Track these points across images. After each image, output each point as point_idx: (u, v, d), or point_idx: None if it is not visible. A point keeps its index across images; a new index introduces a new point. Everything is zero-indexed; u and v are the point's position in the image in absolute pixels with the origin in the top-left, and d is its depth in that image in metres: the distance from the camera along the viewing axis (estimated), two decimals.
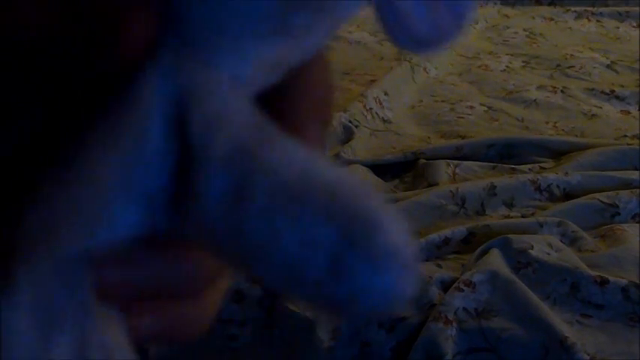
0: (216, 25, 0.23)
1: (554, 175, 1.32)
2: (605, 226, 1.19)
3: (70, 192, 0.22)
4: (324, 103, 0.27)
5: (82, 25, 0.21)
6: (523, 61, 1.88)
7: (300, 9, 0.23)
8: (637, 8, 2.17)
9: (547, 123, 1.57)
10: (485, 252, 1.09)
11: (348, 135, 1.47)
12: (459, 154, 1.41)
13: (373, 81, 1.68)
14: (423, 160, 1.39)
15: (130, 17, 0.21)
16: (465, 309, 0.99)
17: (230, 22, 0.23)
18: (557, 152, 1.43)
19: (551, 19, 2.16)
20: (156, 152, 0.22)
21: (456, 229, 1.16)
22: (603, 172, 1.32)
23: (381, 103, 1.58)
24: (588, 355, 0.93)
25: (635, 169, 1.35)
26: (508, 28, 2.09)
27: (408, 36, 0.27)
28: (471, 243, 1.15)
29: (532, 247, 1.09)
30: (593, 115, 1.60)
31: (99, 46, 0.21)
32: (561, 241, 1.14)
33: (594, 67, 1.84)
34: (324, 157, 0.24)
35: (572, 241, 1.16)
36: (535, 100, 1.66)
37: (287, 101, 0.25)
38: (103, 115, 0.22)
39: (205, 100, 0.23)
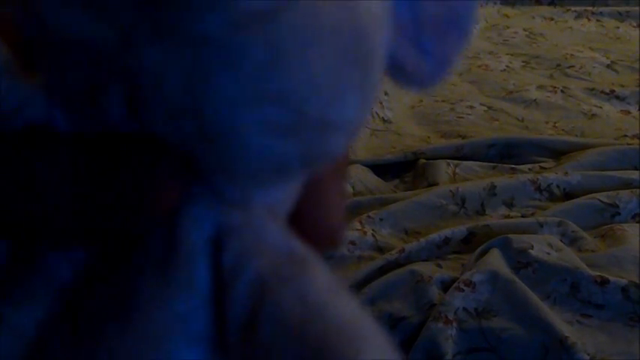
0: (245, 172, 0.24)
1: (554, 175, 1.32)
2: (605, 226, 1.19)
3: (127, 344, 0.23)
4: (340, 157, 0.28)
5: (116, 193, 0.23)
6: (523, 61, 1.88)
7: (319, 163, 0.25)
8: (637, 8, 2.17)
9: (547, 123, 1.57)
10: (485, 252, 1.09)
11: None
12: (459, 154, 1.41)
13: None
14: (423, 160, 1.39)
15: (163, 186, 0.23)
16: (465, 309, 0.99)
17: (260, 184, 0.24)
18: (558, 152, 1.43)
19: (551, 19, 2.16)
20: (206, 300, 0.24)
21: (456, 229, 1.16)
22: (603, 172, 1.32)
23: (381, 103, 1.58)
24: (588, 355, 0.93)
25: (635, 169, 1.34)
26: (508, 27, 2.08)
27: (414, 80, 0.28)
28: (471, 243, 1.15)
29: (532, 247, 1.09)
30: (593, 114, 1.60)
31: (134, 210, 0.23)
32: (561, 240, 1.14)
33: (594, 67, 1.84)
34: (342, 292, 0.25)
35: (572, 241, 1.16)
36: (535, 99, 1.66)
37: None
38: (143, 264, 0.24)
39: (239, 235, 0.24)
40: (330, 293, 0.24)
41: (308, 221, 0.26)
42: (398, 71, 0.27)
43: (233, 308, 0.23)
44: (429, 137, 1.50)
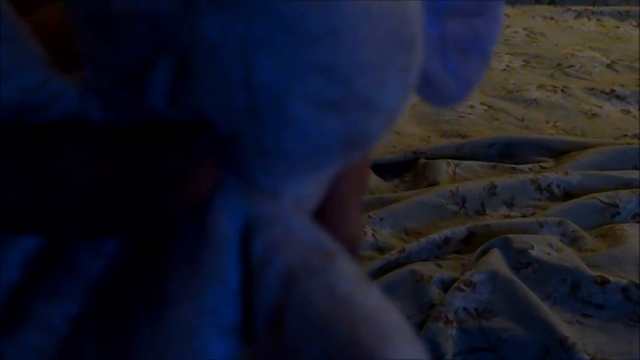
0: (281, 172, 0.24)
1: (554, 174, 1.32)
2: (606, 226, 1.19)
3: (158, 338, 0.24)
4: (363, 169, 0.29)
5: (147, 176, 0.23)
6: (523, 61, 1.88)
7: (357, 148, 0.25)
8: (637, 8, 2.17)
9: (547, 122, 1.57)
10: (485, 252, 1.09)
11: None
12: (459, 154, 1.41)
13: None
14: (423, 160, 1.39)
15: (198, 171, 0.23)
16: (465, 309, 0.99)
17: (294, 168, 0.24)
18: (558, 152, 1.43)
19: (552, 19, 2.16)
20: (236, 292, 0.24)
21: (456, 229, 1.17)
22: (603, 172, 1.32)
23: None
24: (588, 355, 0.93)
25: (636, 168, 1.34)
26: (508, 27, 2.08)
27: (440, 97, 0.29)
28: (471, 243, 1.15)
29: (532, 247, 1.09)
30: (593, 114, 1.60)
31: (166, 195, 0.23)
32: (561, 240, 1.14)
33: (594, 67, 1.84)
34: (368, 285, 0.25)
35: (573, 241, 1.16)
36: (535, 99, 1.66)
37: (336, 179, 0.27)
38: (173, 256, 0.24)
39: (268, 227, 0.24)
40: (358, 285, 0.24)
41: (328, 230, 0.26)
42: (426, 85, 0.28)
43: (261, 300, 0.23)
44: (429, 137, 1.50)
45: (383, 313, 0.23)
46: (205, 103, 0.23)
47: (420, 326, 0.98)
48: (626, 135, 1.50)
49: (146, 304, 0.23)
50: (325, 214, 0.27)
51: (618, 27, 2.10)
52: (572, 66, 1.84)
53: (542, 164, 1.40)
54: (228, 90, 0.22)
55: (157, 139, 0.23)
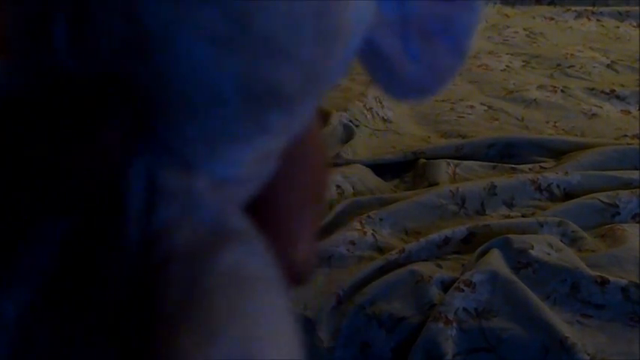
0: (189, 135, 0.23)
1: (554, 174, 1.32)
2: (605, 226, 1.19)
3: None
4: (319, 181, 0.26)
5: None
6: (523, 61, 1.87)
7: (271, 109, 0.23)
8: (637, 8, 2.16)
9: (547, 123, 1.57)
10: (485, 252, 1.09)
11: (348, 135, 1.47)
12: (459, 154, 1.41)
13: None
14: (423, 160, 1.39)
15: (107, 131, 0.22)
16: (465, 309, 0.99)
17: (202, 131, 0.23)
18: (558, 152, 1.43)
19: (552, 19, 2.16)
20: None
21: (456, 229, 1.16)
22: (603, 172, 1.32)
23: (381, 103, 1.58)
24: (588, 355, 0.93)
25: (635, 168, 1.34)
26: (508, 27, 2.08)
27: (398, 82, 0.27)
28: (471, 243, 1.15)
29: (532, 247, 1.09)
30: (593, 114, 1.60)
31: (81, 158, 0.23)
32: (561, 241, 1.14)
33: (594, 67, 1.84)
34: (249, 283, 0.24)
35: (573, 241, 1.16)
36: (535, 99, 1.65)
37: (280, 189, 0.25)
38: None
39: (169, 202, 0.24)
40: (228, 279, 0.24)
41: (267, 246, 0.24)
42: (381, 66, 0.26)
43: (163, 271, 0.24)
44: (429, 137, 1.50)
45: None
46: (101, 44, 0.22)
47: (420, 326, 0.98)
48: (626, 135, 1.50)
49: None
50: (267, 227, 0.24)
51: (618, 27, 2.10)
52: (572, 66, 1.84)
53: (542, 164, 1.40)
54: (117, 22, 0.21)
55: (65, 100, 0.22)
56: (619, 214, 1.22)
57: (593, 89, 1.70)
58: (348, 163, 1.35)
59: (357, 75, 1.74)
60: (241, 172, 0.24)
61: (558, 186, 1.29)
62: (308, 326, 1.01)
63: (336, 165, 1.33)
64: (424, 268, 1.07)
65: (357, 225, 1.17)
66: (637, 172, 1.32)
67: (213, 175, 0.24)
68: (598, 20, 2.14)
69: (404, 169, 1.40)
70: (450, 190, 1.26)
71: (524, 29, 2.07)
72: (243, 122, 0.23)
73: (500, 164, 1.39)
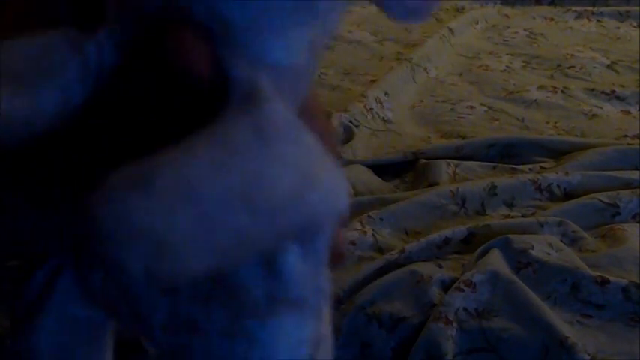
0: (257, 23, 0.28)
1: (554, 175, 1.32)
2: (606, 226, 1.19)
3: None
4: (328, 130, 0.34)
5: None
6: (523, 61, 1.87)
7: None
8: (637, 8, 2.17)
9: (547, 123, 1.57)
10: (485, 252, 1.09)
11: (348, 135, 1.47)
12: (460, 154, 1.41)
13: (373, 81, 1.68)
14: (423, 160, 1.39)
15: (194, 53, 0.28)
16: (465, 309, 0.99)
17: (269, 20, 0.28)
18: (558, 152, 1.43)
19: (552, 19, 2.16)
20: None
21: (456, 229, 1.16)
22: (604, 172, 1.32)
23: (381, 103, 1.58)
24: (589, 355, 0.93)
25: (636, 169, 1.34)
26: (508, 27, 2.08)
27: (403, 7, 0.31)
28: (471, 243, 1.15)
29: (532, 247, 1.09)
30: (593, 115, 1.60)
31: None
32: (562, 241, 1.14)
33: (594, 67, 1.84)
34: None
35: (573, 241, 1.16)
36: (535, 100, 1.66)
37: None
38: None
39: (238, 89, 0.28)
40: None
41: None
42: None
43: None
44: (429, 137, 1.50)
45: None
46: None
47: (420, 326, 0.98)
48: (626, 135, 1.50)
49: None
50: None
51: (618, 28, 2.10)
52: (573, 67, 1.84)
53: (542, 165, 1.40)
54: None
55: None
56: (619, 214, 1.22)
57: (593, 90, 1.70)
58: (348, 163, 1.35)
59: (357, 76, 1.75)
60: (299, 62, 0.29)
61: (558, 186, 1.29)
62: None
63: None
64: (424, 268, 1.07)
65: (357, 225, 1.17)
66: (637, 172, 1.32)
67: (279, 62, 0.28)
68: (598, 21, 2.14)
69: (404, 170, 1.40)
70: (450, 191, 1.26)
71: (525, 29, 2.07)
72: (302, 9, 0.28)
73: (500, 164, 1.39)
